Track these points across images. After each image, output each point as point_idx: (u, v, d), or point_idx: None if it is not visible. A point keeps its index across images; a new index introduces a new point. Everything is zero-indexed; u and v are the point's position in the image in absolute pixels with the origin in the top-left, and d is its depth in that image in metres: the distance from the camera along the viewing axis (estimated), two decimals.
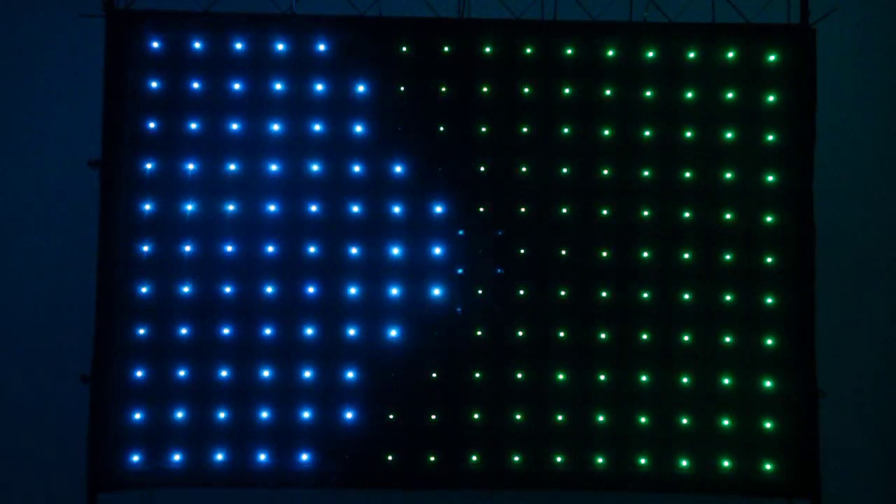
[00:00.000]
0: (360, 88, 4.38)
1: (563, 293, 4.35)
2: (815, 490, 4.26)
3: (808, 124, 4.31)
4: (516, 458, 4.32)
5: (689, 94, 4.38)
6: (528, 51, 4.40)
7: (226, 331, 4.32)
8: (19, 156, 5.05)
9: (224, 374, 4.31)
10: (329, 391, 4.32)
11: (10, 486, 4.95)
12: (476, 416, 4.32)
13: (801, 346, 4.29)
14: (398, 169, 4.37)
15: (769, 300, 4.32)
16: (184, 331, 4.32)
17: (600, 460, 4.31)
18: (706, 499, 4.38)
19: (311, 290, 4.34)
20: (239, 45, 4.38)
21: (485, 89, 4.39)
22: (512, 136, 4.38)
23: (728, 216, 4.35)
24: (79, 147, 4.62)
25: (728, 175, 4.36)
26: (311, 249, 4.35)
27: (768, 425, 4.30)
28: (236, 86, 4.37)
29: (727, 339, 4.32)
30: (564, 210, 4.37)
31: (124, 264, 4.30)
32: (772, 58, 4.36)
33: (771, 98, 4.36)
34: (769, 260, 4.33)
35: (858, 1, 5.08)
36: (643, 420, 4.32)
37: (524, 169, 4.38)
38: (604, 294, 4.34)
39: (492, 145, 4.38)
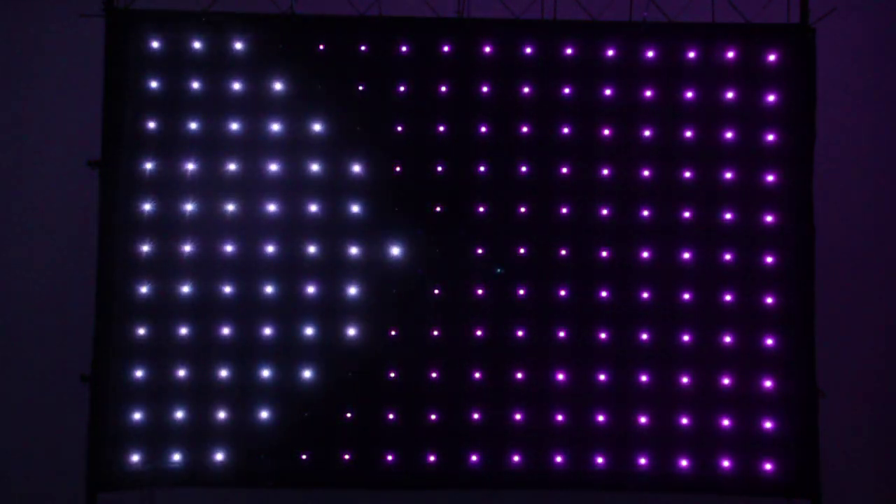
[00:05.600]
0: (360, 88, 4.38)
1: (563, 293, 4.34)
2: (815, 490, 4.25)
3: (808, 124, 4.31)
4: (516, 458, 4.32)
5: (689, 94, 4.38)
6: (528, 51, 4.40)
7: (226, 331, 4.32)
8: (19, 156, 5.05)
9: (224, 374, 4.31)
10: (328, 391, 4.32)
11: (10, 486, 4.95)
12: (476, 416, 4.32)
13: (801, 346, 4.29)
14: (397, 169, 4.37)
15: (769, 300, 4.32)
16: (184, 331, 4.32)
17: (600, 460, 4.31)
18: (706, 499, 4.38)
19: (310, 290, 4.33)
20: (239, 45, 4.38)
21: (485, 89, 4.39)
22: (512, 135, 4.38)
23: (728, 216, 4.35)
24: (79, 147, 4.62)
25: (728, 175, 4.36)
26: (311, 249, 4.35)
27: (768, 425, 4.30)
28: (236, 86, 4.37)
29: (727, 339, 4.32)
30: (564, 210, 4.36)
31: (124, 264, 4.30)
32: (772, 58, 4.36)
33: (771, 98, 4.36)
34: (769, 260, 4.33)
35: (858, 1, 5.08)
36: (643, 420, 4.32)
37: (524, 169, 4.37)
38: (604, 294, 4.34)
39: (491, 145, 4.37)
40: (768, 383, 4.30)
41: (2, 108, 5.07)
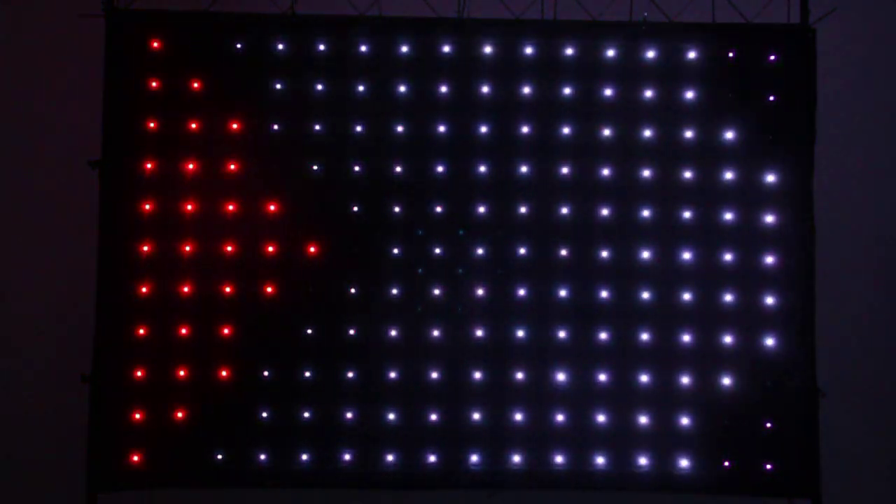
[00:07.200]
0: (360, 88, 4.38)
1: (563, 293, 4.34)
2: (815, 490, 4.25)
3: (808, 124, 4.31)
4: (516, 458, 4.31)
5: (689, 94, 4.38)
6: (528, 51, 4.40)
7: (226, 331, 4.32)
8: (19, 156, 5.04)
9: (224, 374, 4.31)
10: (328, 391, 4.32)
11: (10, 486, 4.95)
12: (476, 416, 4.32)
13: (801, 346, 4.29)
14: (398, 169, 4.37)
15: (769, 300, 4.32)
16: (184, 331, 4.32)
17: (600, 460, 4.31)
18: (706, 499, 4.38)
19: (310, 289, 4.33)
20: (239, 45, 4.38)
21: (485, 89, 4.39)
22: (512, 135, 4.38)
23: (728, 216, 4.35)
24: (79, 147, 4.62)
25: (728, 175, 4.35)
26: (311, 249, 4.35)
27: (768, 425, 4.29)
28: (236, 86, 4.36)
29: (727, 339, 4.32)
30: (564, 210, 4.36)
31: (124, 264, 4.30)
32: (772, 58, 4.36)
33: (771, 98, 4.36)
34: (769, 260, 4.33)
35: (858, 1, 5.08)
36: (643, 420, 4.32)
37: (524, 169, 4.37)
38: (604, 294, 4.34)
39: (492, 145, 4.37)
40: (768, 383, 4.30)
41: (2, 108, 5.07)
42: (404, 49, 4.38)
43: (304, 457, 4.30)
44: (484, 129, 4.37)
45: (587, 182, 4.36)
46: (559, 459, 4.31)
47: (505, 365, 4.33)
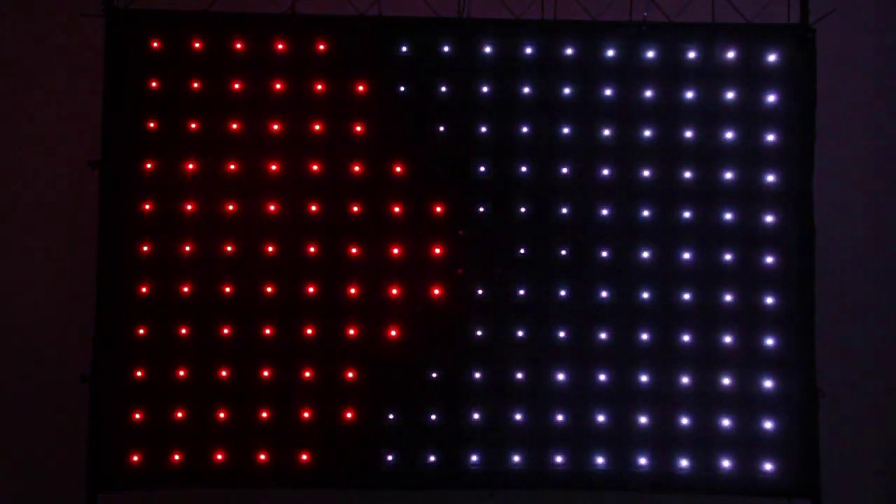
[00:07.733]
0: (360, 88, 4.38)
1: (563, 293, 4.34)
2: (815, 490, 4.25)
3: (808, 124, 4.31)
4: (516, 458, 4.31)
5: (689, 94, 4.38)
6: (528, 51, 4.40)
7: (226, 331, 4.32)
8: (19, 156, 5.05)
9: (224, 374, 4.31)
10: (329, 390, 4.32)
11: (10, 486, 4.95)
12: (476, 416, 4.32)
13: (801, 346, 4.29)
14: (398, 169, 4.37)
15: (769, 300, 4.32)
16: (184, 331, 4.32)
17: (600, 460, 4.31)
18: (706, 499, 4.38)
19: (311, 289, 4.33)
20: (239, 45, 4.38)
21: (485, 89, 4.39)
22: (512, 136, 4.38)
23: (728, 216, 4.35)
24: (79, 147, 4.62)
25: (728, 175, 4.35)
26: (312, 249, 4.35)
27: (768, 425, 4.29)
28: (236, 86, 4.37)
29: (727, 339, 4.32)
30: (564, 210, 4.36)
31: (124, 264, 4.30)
32: (772, 58, 4.36)
33: (771, 98, 4.36)
34: (769, 260, 4.33)
35: (858, 1, 5.08)
36: (643, 420, 4.32)
37: (524, 169, 4.37)
38: (604, 294, 4.34)
39: (491, 145, 4.37)
40: (768, 383, 4.30)
41: (2, 108, 5.07)
42: (404, 49, 4.38)
43: (304, 457, 4.30)
44: (483, 129, 4.37)
45: (587, 182, 4.36)
46: (559, 459, 4.31)
47: (505, 365, 4.33)
